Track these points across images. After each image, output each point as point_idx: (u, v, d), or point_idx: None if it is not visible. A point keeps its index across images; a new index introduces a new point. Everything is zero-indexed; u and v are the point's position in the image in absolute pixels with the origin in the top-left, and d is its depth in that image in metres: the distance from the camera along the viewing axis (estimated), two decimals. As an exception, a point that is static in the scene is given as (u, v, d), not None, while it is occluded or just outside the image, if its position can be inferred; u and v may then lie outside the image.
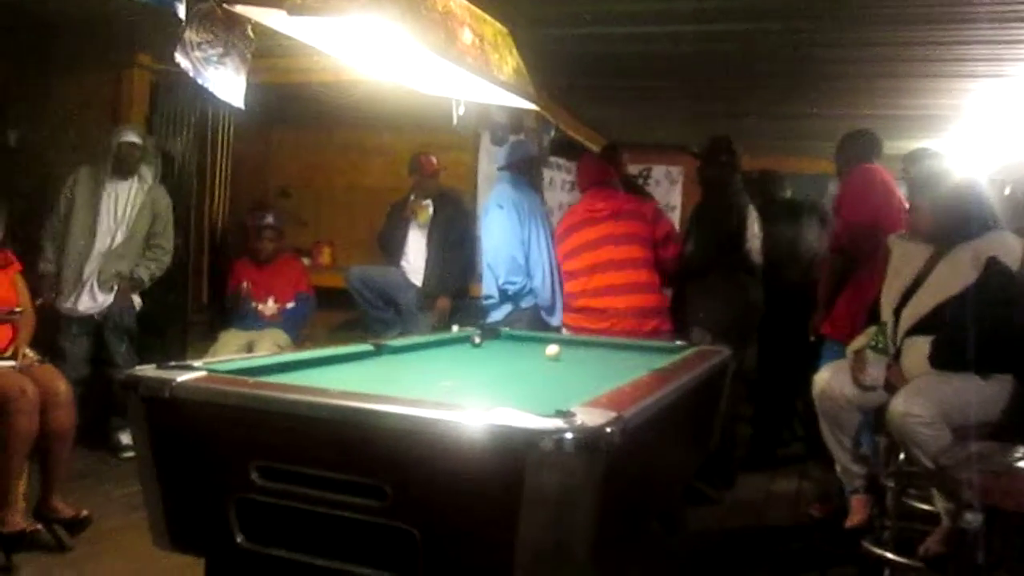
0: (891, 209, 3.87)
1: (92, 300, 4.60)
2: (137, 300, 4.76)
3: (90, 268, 4.59)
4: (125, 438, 4.45)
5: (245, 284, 5.30)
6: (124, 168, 4.63)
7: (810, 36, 4.16)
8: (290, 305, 5.39)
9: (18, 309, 3.45)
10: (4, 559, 3.08)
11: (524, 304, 4.46)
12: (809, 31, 4.07)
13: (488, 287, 4.55)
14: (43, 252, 4.63)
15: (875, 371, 3.03)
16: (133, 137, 4.65)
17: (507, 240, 4.41)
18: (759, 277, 4.48)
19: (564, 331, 4.33)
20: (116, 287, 4.62)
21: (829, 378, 3.28)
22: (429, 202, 5.32)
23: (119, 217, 4.65)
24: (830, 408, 3.27)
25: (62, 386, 3.36)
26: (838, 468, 3.43)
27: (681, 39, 4.32)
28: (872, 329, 3.15)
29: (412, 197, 5.36)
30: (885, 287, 3.21)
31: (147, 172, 4.75)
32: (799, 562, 3.52)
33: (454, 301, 5.21)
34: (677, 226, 5.31)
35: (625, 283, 4.14)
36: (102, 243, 4.62)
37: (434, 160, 5.39)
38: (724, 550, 3.64)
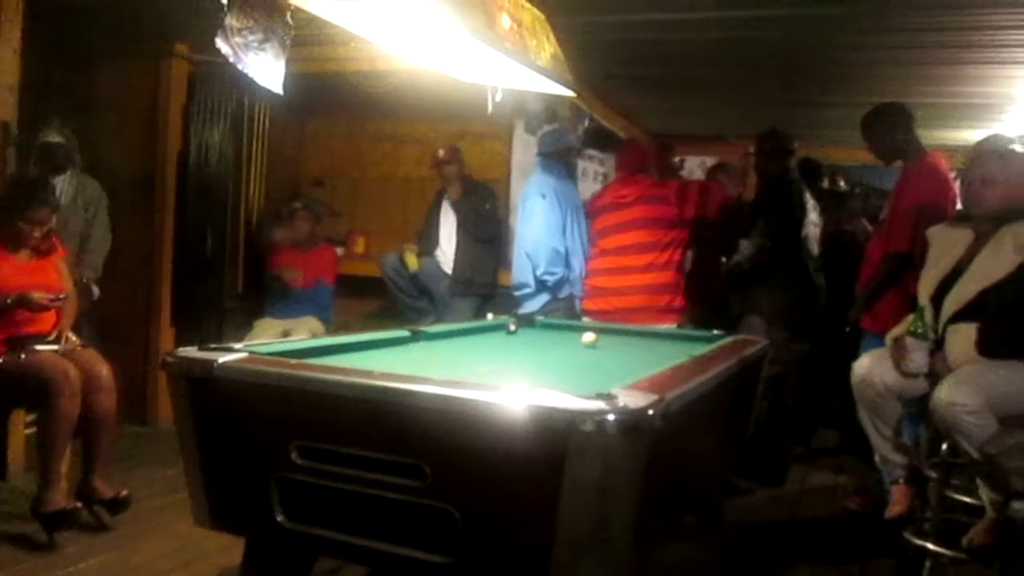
0: (952, 205, 3.69)
1: None
2: (95, 290, 4.58)
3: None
4: None
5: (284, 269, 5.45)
6: (51, 167, 4.41)
7: (855, 22, 4.09)
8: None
9: (62, 295, 3.50)
10: (47, 537, 3.13)
11: (561, 294, 4.46)
12: (855, 16, 4.00)
13: (523, 276, 4.52)
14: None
15: (918, 357, 2.96)
16: (56, 137, 4.46)
17: (550, 230, 4.40)
18: (818, 266, 4.52)
19: (585, 317, 4.37)
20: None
21: (869, 366, 3.21)
22: None
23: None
24: (870, 397, 3.21)
25: (104, 370, 3.40)
26: (877, 458, 3.37)
27: (718, 26, 4.27)
28: (910, 316, 3.09)
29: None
30: (923, 275, 3.14)
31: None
32: (837, 554, 3.46)
33: (485, 289, 5.20)
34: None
35: (645, 264, 4.31)
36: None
37: (440, 152, 5.33)
38: (761, 542, 3.61)
